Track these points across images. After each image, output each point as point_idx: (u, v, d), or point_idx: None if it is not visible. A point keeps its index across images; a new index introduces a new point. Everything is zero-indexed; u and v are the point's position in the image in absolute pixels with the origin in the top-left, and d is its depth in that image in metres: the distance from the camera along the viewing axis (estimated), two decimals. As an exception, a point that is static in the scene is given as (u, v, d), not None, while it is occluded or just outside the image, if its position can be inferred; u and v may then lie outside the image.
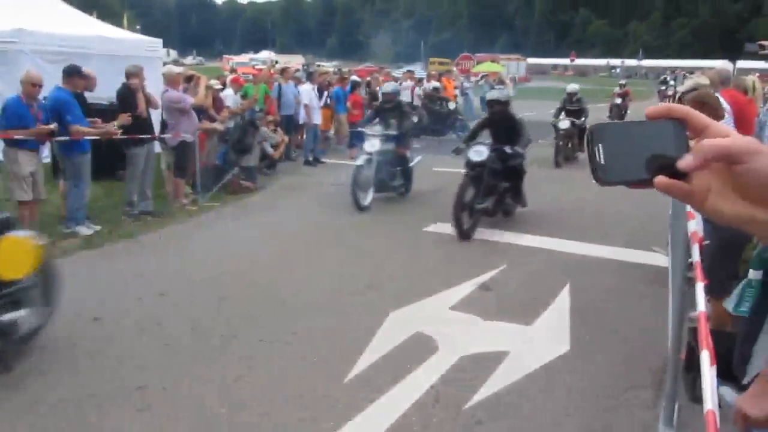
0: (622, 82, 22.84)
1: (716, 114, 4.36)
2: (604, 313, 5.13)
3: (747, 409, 1.69)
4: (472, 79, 24.14)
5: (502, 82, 25.82)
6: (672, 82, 29.65)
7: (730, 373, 3.24)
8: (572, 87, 14.41)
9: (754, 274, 1.80)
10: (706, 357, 1.38)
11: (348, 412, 3.57)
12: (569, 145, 13.71)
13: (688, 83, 6.69)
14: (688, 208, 3.24)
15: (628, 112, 20.63)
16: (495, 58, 56.72)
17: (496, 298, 5.41)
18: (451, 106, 18.57)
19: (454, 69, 35.71)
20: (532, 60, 71.46)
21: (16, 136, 6.47)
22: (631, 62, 69.49)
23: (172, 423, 3.46)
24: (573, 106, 14.06)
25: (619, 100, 20.57)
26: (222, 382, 3.92)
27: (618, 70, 74.17)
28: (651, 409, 3.63)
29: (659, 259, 6.39)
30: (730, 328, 3.63)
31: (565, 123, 13.40)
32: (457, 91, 20.51)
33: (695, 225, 2.89)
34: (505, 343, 4.50)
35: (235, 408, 3.62)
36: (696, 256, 2.42)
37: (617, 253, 6.75)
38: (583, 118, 13.73)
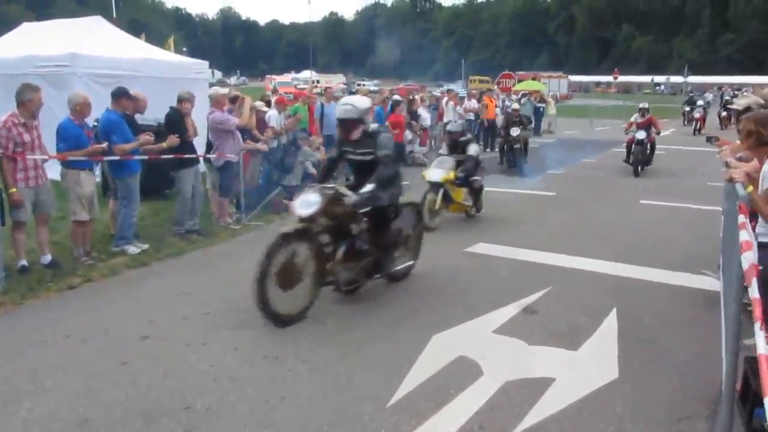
0: (644, 105, 14.84)
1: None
2: (653, 339, 4.99)
3: None
4: (513, 97, 23.95)
5: (543, 100, 25.66)
6: (701, 102, 28.21)
7: (748, 396, 3.11)
8: (643, 103, 15.19)
9: None
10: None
11: (391, 438, 3.54)
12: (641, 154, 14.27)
13: (741, 101, 6.53)
14: (743, 236, 3.14)
15: (656, 150, 15.02)
16: (536, 75, 56.34)
17: (541, 322, 5.32)
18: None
19: (495, 87, 35.59)
20: (573, 77, 70.79)
21: (70, 157, 6.67)
22: (676, 79, 68.16)
23: (217, 444, 3.48)
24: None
25: (641, 135, 14.06)
26: (265, 403, 3.93)
27: (662, 87, 72.92)
28: (705, 441, 3.51)
29: (710, 282, 6.21)
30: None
31: (641, 134, 14.12)
32: (498, 110, 20.40)
33: (753, 257, 2.78)
34: (551, 369, 4.41)
35: (278, 431, 3.62)
36: (755, 293, 2.32)
37: (665, 276, 6.58)
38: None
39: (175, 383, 4.18)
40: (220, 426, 3.67)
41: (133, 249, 7.21)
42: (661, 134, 17.22)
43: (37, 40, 12.33)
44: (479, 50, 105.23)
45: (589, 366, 4.50)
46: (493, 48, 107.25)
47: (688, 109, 29.32)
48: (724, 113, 25.38)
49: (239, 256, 7.41)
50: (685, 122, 28.93)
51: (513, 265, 7.03)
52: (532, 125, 18.70)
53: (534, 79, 49.32)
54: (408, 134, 15.47)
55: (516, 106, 16.18)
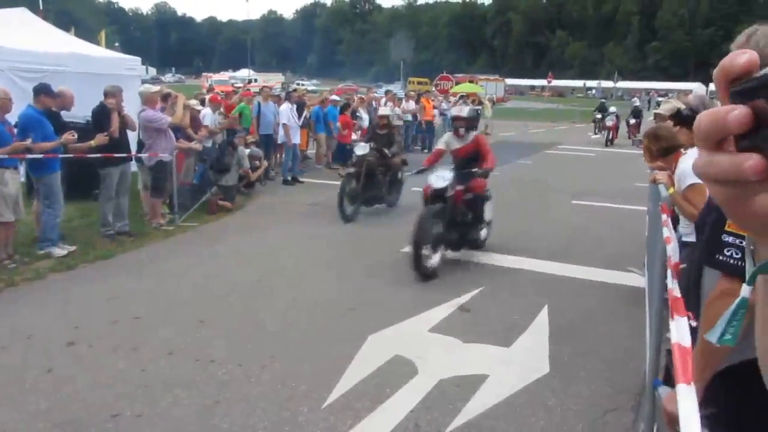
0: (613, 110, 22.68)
1: (673, 143, 4.47)
2: (582, 335, 5.14)
3: (667, 405, 1.75)
4: (451, 99, 24.28)
5: (480, 102, 26.11)
6: (613, 109, 25.06)
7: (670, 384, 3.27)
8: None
9: (746, 291, 1.81)
10: (685, 391, 1.38)
11: (327, 438, 3.53)
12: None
13: (666, 106, 6.82)
14: (666, 232, 3.28)
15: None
16: (473, 78, 57.25)
17: (475, 320, 5.41)
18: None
19: (433, 89, 35.97)
20: (510, 80, 72.28)
21: (-9, 155, 6.37)
22: (607, 84, 70.53)
23: (146, 451, 3.39)
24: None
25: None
26: (199, 407, 3.85)
27: (594, 91, 75.26)
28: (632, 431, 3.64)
29: (636, 279, 6.45)
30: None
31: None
32: (436, 111, 20.64)
33: (671, 250, 2.91)
34: (485, 366, 4.49)
35: (212, 435, 3.55)
36: (670, 284, 2.43)
37: (595, 274, 6.80)
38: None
39: (103, 390, 4.04)
40: (151, 432, 3.58)
41: (58, 251, 6.94)
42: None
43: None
44: (418, 52, 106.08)
45: (521, 362, 4.60)
46: (432, 50, 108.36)
47: (599, 116, 25.47)
48: (633, 121, 23.38)
49: (172, 258, 7.25)
50: (596, 131, 25.76)
51: (447, 264, 7.10)
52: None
53: (471, 81, 50.11)
54: (354, 135, 15.45)
55: (387, 111, 12.22)
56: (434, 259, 6.62)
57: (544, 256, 7.39)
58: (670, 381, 3.51)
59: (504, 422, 3.77)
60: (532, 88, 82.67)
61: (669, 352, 3.50)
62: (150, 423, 3.67)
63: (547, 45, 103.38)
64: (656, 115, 6.71)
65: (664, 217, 3.74)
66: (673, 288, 2.49)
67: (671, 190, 4.37)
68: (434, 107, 20.41)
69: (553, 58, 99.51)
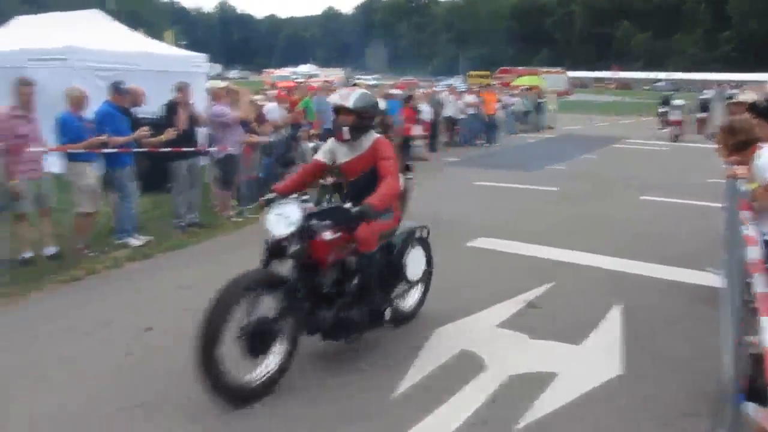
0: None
1: (750, 136, 4.28)
2: (657, 335, 4.99)
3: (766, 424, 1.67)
4: (514, 93, 24.02)
5: (542, 95, 25.66)
6: (679, 101, 22.67)
7: (755, 392, 3.13)
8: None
9: None
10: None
11: (395, 430, 3.54)
12: None
13: (742, 97, 6.56)
14: (747, 231, 3.14)
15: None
16: (535, 71, 56.32)
17: (544, 317, 5.32)
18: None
19: (494, 82, 35.59)
20: (573, 73, 70.68)
21: (71, 150, 6.65)
22: (675, 75, 68.22)
23: (222, 436, 3.48)
24: None
25: None
26: (272, 394, 3.92)
27: (663, 83, 72.90)
28: (708, 437, 3.51)
29: (711, 279, 6.21)
30: None
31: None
32: (498, 105, 20.43)
33: (757, 252, 2.78)
34: (555, 364, 4.41)
35: (283, 420, 3.62)
36: (761, 287, 2.32)
37: (666, 272, 6.58)
38: None
39: (177, 375, 4.17)
40: (222, 417, 3.67)
41: (134, 241, 7.20)
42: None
43: (33, 34, 12.27)
44: (478, 46, 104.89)
45: (592, 361, 4.50)
46: (491, 44, 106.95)
47: (663, 110, 23.49)
48: (700, 115, 21.45)
49: (240, 249, 7.39)
50: (661, 125, 23.45)
51: (515, 259, 7.03)
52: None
53: (533, 74, 49.31)
54: (417, 128, 15.43)
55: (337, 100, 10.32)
56: (264, 366, 3.94)
57: (614, 253, 7.21)
58: (755, 388, 3.38)
59: (575, 422, 3.70)
60: (597, 80, 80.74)
61: (751, 357, 3.37)
62: (222, 408, 3.76)
63: (612, 36, 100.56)
64: (729, 107, 6.45)
65: (744, 213, 3.59)
66: (760, 288, 2.39)
67: (754, 185, 4.20)
68: (498, 101, 20.19)
69: (617, 49, 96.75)
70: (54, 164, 7.21)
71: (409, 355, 4.49)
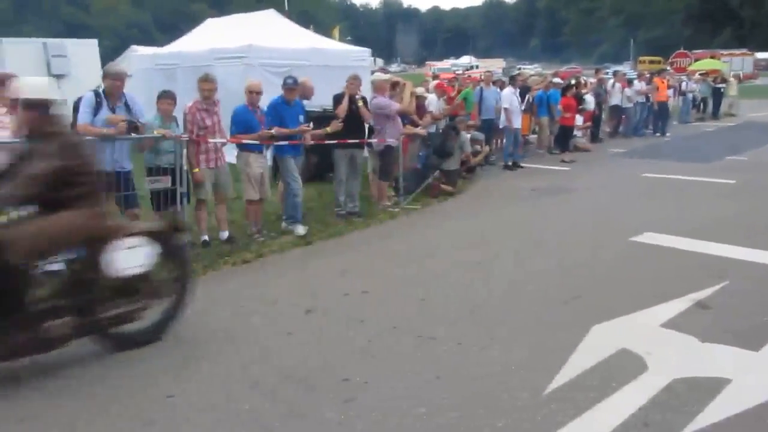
0: None
1: None
2: None
3: None
4: (691, 78, 22.25)
5: (724, 80, 23.54)
6: None
7: None
8: None
9: None
10: None
11: (546, 427, 3.45)
12: None
13: None
14: None
15: None
16: (715, 54, 51.71)
17: (716, 318, 4.90)
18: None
19: (668, 68, 33.16)
20: (761, 54, 63.98)
21: (245, 141, 7.18)
22: None
23: (373, 417, 3.59)
24: None
25: None
26: (420, 382, 3.99)
27: None
28: None
29: None
30: None
31: None
32: (670, 92, 19.05)
33: None
34: (727, 370, 4.05)
35: (432, 409, 3.66)
36: None
37: None
38: None
39: (334, 356, 4.37)
40: (377, 398, 3.79)
41: (300, 229, 7.61)
42: None
43: (218, 34, 13.42)
44: (651, 28, 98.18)
45: (771, 369, 4.09)
46: (666, 26, 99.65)
47: None
48: None
49: (397, 238, 7.61)
50: None
51: (684, 256, 6.54)
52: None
53: (713, 57, 45.33)
54: (578, 118, 14.89)
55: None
56: None
57: (802, 252, 6.47)
58: None
59: (749, 433, 3.39)
60: (790, 62, 72.49)
61: None
62: (374, 390, 3.88)
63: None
64: None
65: None
66: None
67: None
68: (669, 87, 18.81)
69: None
70: (230, 154, 7.81)
71: (564, 350, 4.35)
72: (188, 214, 6.87)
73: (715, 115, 22.20)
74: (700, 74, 23.63)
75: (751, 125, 20.05)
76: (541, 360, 4.24)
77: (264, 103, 7.61)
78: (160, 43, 17.29)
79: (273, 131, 7.28)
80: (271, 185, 8.05)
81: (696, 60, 42.33)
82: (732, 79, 24.77)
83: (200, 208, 7.06)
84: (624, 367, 4.12)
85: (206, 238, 7.05)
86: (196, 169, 6.82)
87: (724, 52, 55.24)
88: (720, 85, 22.72)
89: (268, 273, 6.36)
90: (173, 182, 6.61)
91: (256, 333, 4.83)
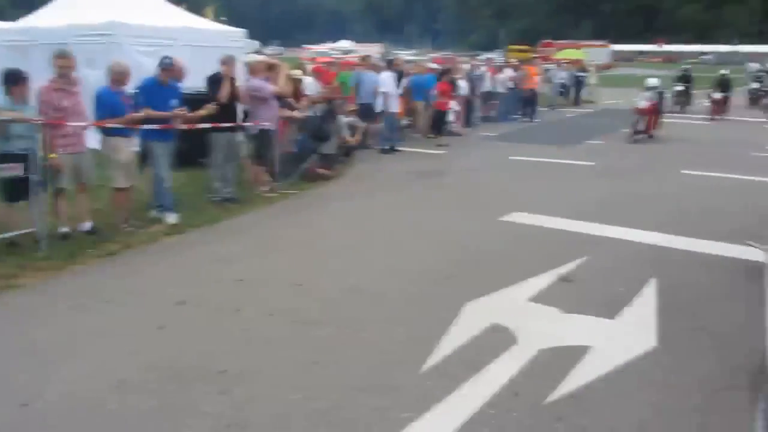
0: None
1: None
2: (693, 309, 4.86)
3: None
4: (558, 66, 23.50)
5: (584, 69, 25.07)
6: (654, 81, 17.92)
7: None
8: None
9: None
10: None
11: (423, 404, 3.52)
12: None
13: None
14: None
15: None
16: (577, 44, 54.99)
17: (577, 291, 5.23)
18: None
19: (534, 56, 34.84)
20: (617, 46, 68.79)
21: (109, 125, 6.72)
22: (724, 48, 65.72)
23: (250, 408, 3.51)
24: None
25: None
26: (297, 368, 3.94)
27: (710, 56, 70.35)
28: (746, 412, 3.40)
29: (755, 254, 6.00)
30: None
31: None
32: (540, 79, 20.04)
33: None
34: (587, 338, 4.33)
35: (309, 394, 3.63)
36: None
37: (707, 247, 6.40)
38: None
39: (209, 347, 4.22)
40: (254, 388, 3.70)
41: (171, 217, 7.27)
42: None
43: (78, 10, 12.43)
44: (519, 18, 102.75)
45: (627, 335, 4.41)
46: (533, 17, 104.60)
47: (756, 85, 22.93)
48: (717, 96, 19.07)
49: (274, 224, 7.47)
50: (752, 104, 22.18)
51: (549, 234, 6.92)
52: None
53: (575, 48, 48.17)
54: (453, 104, 15.28)
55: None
56: None
57: (652, 227, 7.02)
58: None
59: (608, 395, 3.63)
60: (641, 53, 78.53)
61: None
62: (251, 380, 3.79)
63: (659, 8, 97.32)
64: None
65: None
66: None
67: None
68: (537, 74, 19.77)
69: (664, 21, 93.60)
70: (94, 139, 7.31)
71: (438, 328, 4.45)
72: (45, 204, 6.36)
73: (577, 102, 23.59)
74: (564, 63, 25.02)
75: (607, 112, 21.54)
76: (417, 339, 4.32)
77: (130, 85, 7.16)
78: (13, 19, 15.82)
79: (143, 114, 6.88)
80: (140, 172, 7.63)
81: (560, 50, 44.75)
82: (592, 68, 26.43)
83: (59, 198, 6.55)
84: (495, 340, 4.29)
85: (66, 229, 6.56)
86: (53, 155, 6.30)
87: (585, 42, 58.88)
88: (581, 74, 24.17)
89: (137, 264, 6.02)
90: (27, 170, 6.06)
91: (124, 327, 4.56)
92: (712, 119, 18.51)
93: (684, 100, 20.74)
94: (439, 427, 3.34)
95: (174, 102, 7.29)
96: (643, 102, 14.52)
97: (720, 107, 19.02)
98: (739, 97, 21.90)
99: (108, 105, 6.73)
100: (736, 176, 9.94)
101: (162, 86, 7.25)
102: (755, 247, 6.08)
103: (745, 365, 3.93)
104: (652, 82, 15.23)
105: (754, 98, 22.50)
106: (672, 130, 15.32)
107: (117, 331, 4.49)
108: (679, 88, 20.69)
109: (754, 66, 29.94)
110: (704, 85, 21.73)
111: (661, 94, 15.34)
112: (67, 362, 4.03)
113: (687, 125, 17.28)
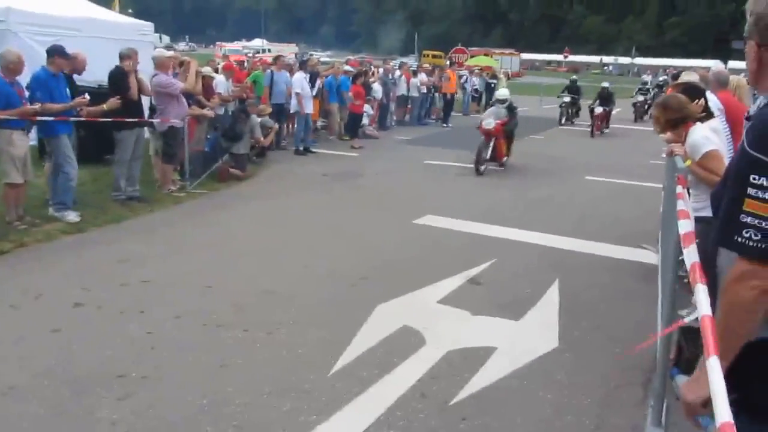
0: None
1: (682, 114, 4.37)
2: (593, 310, 5.09)
3: (686, 394, 1.68)
4: (466, 72, 24.04)
5: (495, 76, 25.80)
6: (654, 91, 21.94)
7: (684, 363, 3.23)
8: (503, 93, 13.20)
9: None
10: (715, 364, 1.30)
11: (332, 405, 3.51)
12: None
13: (684, 78, 6.71)
14: (680, 205, 3.19)
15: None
16: (488, 52, 56.58)
17: (485, 293, 5.36)
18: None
19: (447, 62, 35.52)
20: (525, 55, 71.34)
21: (1, 117, 6.32)
22: (624, 60, 69.54)
23: (152, 413, 3.39)
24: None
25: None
26: (204, 372, 3.84)
27: (610, 67, 74.19)
28: (641, 408, 3.59)
29: (649, 256, 6.37)
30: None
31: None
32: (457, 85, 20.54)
33: (689, 225, 2.82)
34: (494, 339, 4.45)
35: (216, 398, 3.54)
36: (694, 257, 2.34)
37: (607, 250, 6.71)
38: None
39: (109, 351, 4.04)
40: (157, 393, 3.57)
41: (71, 215, 6.91)
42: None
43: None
44: (433, 24, 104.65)
45: (530, 336, 4.56)
46: (446, 23, 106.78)
47: (641, 98, 22.02)
48: (598, 110, 17.45)
49: (182, 224, 7.25)
50: (563, 119, 20.10)
51: (460, 237, 7.07)
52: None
53: (486, 55, 49.50)
54: (368, 107, 15.38)
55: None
56: None
57: (557, 231, 7.31)
58: (682, 359, 3.47)
59: (511, 395, 3.74)
60: (549, 63, 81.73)
61: (681, 329, 3.46)
62: (155, 384, 3.66)
63: (564, 19, 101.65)
64: (674, 88, 6.54)
65: (680, 189, 3.65)
66: (690, 258, 2.41)
67: (688, 162, 4.28)
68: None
69: (570, 32, 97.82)
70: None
71: (349, 330, 4.46)
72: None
73: (487, 107, 24.22)
74: (476, 69, 25.65)
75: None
76: (327, 341, 4.30)
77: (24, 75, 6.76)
78: None
79: (37, 107, 6.51)
80: (37, 166, 7.22)
81: (472, 56, 45.82)
82: (502, 75, 27.22)
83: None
84: (405, 342, 4.34)
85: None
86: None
87: (496, 50, 60.69)
88: (492, 81, 24.84)
89: (31, 264, 5.69)
90: None
91: (15, 331, 4.30)
92: (591, 135, 17.03)
93: (571, 112, 20.20)
94: (347, 429, 3.33)
95: (66, 92, 6.97)
96: (489, 120, 11.14)
97: (601, 122, 17.69)
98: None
99: (0, 95, 6.33)
100: (634, 182, 10.50)
101: (54, 76, 6.89)
102: (649, 250, 6.46)
103: (640, 363, 4.15)
104: (503, 93, 12.45)
105: (639, 112, 21.88)
106: (531, 148, 15.25)
107: (8, 335, 4.23)
108: (567, 99, 20.01)
109: (647, 78, 31.67)
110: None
111: (513, 110, 12.20)
112: (-49, 370, 3.76)
113: (558, 142, 16.36)
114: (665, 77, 26.81)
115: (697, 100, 4.64)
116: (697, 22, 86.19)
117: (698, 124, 4.38)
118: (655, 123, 4.58)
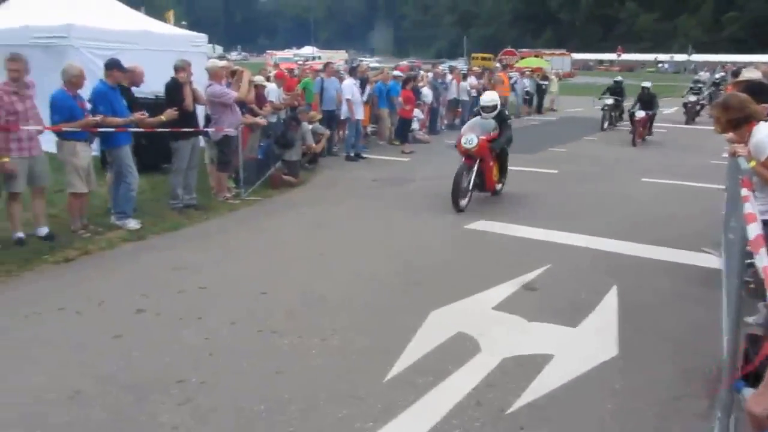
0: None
1: (744, 113, 4.20)
2: (653, 317, 4.94)
3: (751, 407, 1.61)
4: (516, 74, 23.78)
5: (546, 77, 25.45)
6: (709, 90, 21.29)
7: (751, 374, 3.08)
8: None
9: None
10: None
11: (387, 413, 3.50)
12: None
13: (747, 74, 6.47)
14: (747, 208, 3.07)
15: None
16: (539, 53, 55.94)
17: (541, 299, 5.27)
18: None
19: (497, 65, 35.24)
20: (577, 55, 70.19)
21: (65, 129, 6.56)
22: (680, 57, 67.59)
23: (210, 418, 3.44)
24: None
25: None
26: (260, 378, 3.89)
27: (666, 65, 72.24)
28: (704, 419, 3.46)
29: (710, 260, 6.15)
30: None
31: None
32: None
33: (758, 228, 2.70)
34: (550, 346, 4.36)
35: (273, 404, 3.58)
36: (763, 261, 2.24)
37: (666, 254, 6.52)
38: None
39: (168, 357, 4.13)
40: (215, 398, 3.63)
41: (132, 224, 7.12)
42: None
43: (34, 11, 12.14)
44: (481, 27, 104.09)
45: (588, 343, 4.45)
46: (495, 25, 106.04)
47: (693, 98, 20.18)
48: (639, 115, 15.47)
49: (237, 231, 7.37)
50: (605, 124, 18.17)
51: (514, 242, 6.97)
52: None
53: (537, 56, 48.91)
54: (418, 112, 15.38)
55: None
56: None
57: (612, 235, 7.14)
58: (751, 370, 3.33)
59: (569, 404, 3.65)
60: (601, 62, 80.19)
61: (748, 337, 3.32)
62: (213, 390, 3.73)
63: (616, 18, 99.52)
64: (734, 86, 6.30)
65: (745, 191, 3.51)
66: (762, 263, 2.30)
67: (752, 163, 4.12)
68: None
69: (622, 31, 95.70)
70: (50, 143, 7.12)
71: (403, 337, 4.44)
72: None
73: (539, 109, 23.92)
74: (527, 71, 25.36)
75: (569, 119, 21.90)
76: (381, 348, 4.30)
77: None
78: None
79: (99, 119, 6.73)
80: (100, 176, 7.45)
81: (522, 58, 45.32)
82: (553, 76, 26.85)
83: (13, 202, 6.37)
84: (459, 349, 4.30)
85: (21, 235, 6.37)
86: (6, 159, 6.11)
87: (547, 51, 59.95)
88: (543, 82, 24.52)
89: (95, 271, 5.88)
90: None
91: (79, 337, 4.44)
92: (633, 144, 15.20)
93: (614, 115, 18.55)
94: (404, 437, 3.32)
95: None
96: (470, 136, 8.36)
97: (642, 129, 15.61)
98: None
99: (63, 108, 6.60)
100: (692, 183, 10.17)
101: (113, 89, 7.11)
102: (710, 253, 6.24)
103: (703, 372, 4.01)
104: (490, 99, 9.15)
105: (691, 113, 20.11)
106: (585, 149, 15.45)
107: (72, 341, 4.38)
108: (609, 101, 18.20)
109: (705, 75, 30.58)
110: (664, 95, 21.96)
111: (505, 120, 9.15)
112: (21, 372, 3.91)
113: (613, 143, 15.65)
114: (722, 74, 25.80)
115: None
116: (756, 15, 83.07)
117: (762, 123, 4.21)
118: (716, 123, 4.42)
